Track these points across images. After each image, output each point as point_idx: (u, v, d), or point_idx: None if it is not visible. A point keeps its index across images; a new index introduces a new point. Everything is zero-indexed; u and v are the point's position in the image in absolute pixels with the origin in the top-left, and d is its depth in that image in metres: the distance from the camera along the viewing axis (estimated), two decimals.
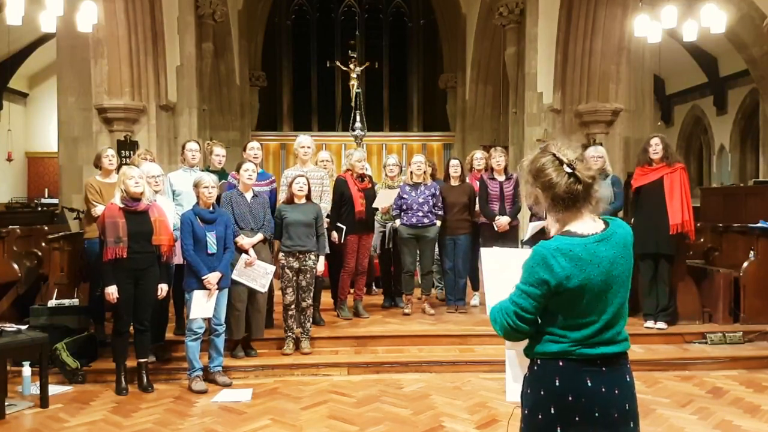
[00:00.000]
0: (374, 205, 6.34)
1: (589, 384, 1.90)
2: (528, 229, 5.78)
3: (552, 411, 1.91)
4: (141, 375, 4.84)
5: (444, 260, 6.62)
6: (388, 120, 17.29)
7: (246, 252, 5.14)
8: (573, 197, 1.92)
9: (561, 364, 1.92)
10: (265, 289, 5.25)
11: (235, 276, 5.07)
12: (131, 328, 4.82)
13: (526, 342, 2.03)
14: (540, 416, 1.94)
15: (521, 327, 1.93)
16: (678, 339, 5.79)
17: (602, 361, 1.92)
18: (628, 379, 1.96)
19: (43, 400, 4.47)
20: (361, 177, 6.25)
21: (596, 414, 1.89)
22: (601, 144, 8.26)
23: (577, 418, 1.90)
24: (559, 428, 1.91)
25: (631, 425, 1.95)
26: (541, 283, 1.88)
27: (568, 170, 1.91)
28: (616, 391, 1.92)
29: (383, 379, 5.10)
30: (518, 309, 1.92)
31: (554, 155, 1.94)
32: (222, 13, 10.96)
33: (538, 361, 1.97)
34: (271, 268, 5.26)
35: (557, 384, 1.91)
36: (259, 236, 5.23)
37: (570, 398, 1.90)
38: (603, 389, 1.90)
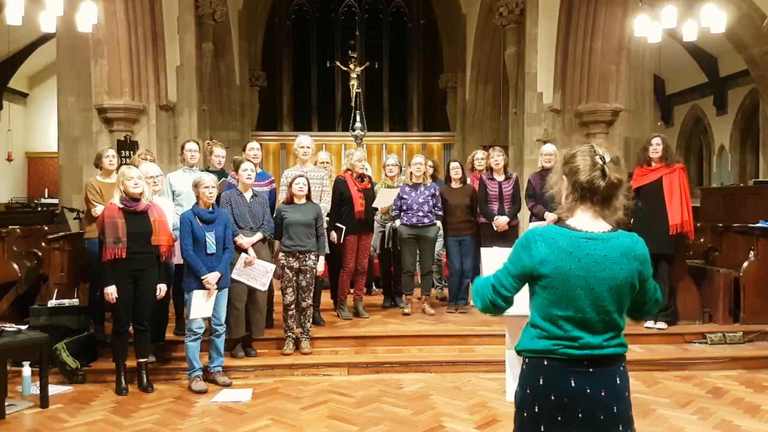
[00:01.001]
0: (374, 205, 6.34)
1: (573, 384, 1.90)
2: None
3: (536, 409, 1.93)
4: (141, 375, 4.84)
5: (451, 261, 6.60)
6: (388, 120, 17.29)
7: (245, 251, 5.14)
8: (592, 190, 1.94)
9: (546, 363, 1.93)
10: (265, 288, 5.25)
11: (234, 275, 5.07)
12: (131, 328, 4.82)
13: None
14: (525, 414, 1.96)
15: (497, 301, 2.00)
16: (678, 339, 5.79)
17: (590, 362, 1.91)
18: (618, 382, 1.93)
19: (43, 400, 4.47)
20: (361, 177, 6.25)
21: (580, 415, 1.89)
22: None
23: (559, 418, 1.90)
24: (542, 427, 1.92)
25: (620, 428, 1.92)
26: (519, 260, 1.96)
27: (599, 162, 1.94)
28: (603, 393, 1.90)
29: (383, 379, 5.10)
30: (497, 282, 2.00)
31: (591, 147, 1.98)
32: (222, 13, 10.95)
33: (527, 360, 2.00)
34: (271, 267, 5.27)
35: (541, 383, 1.93)
36: (258, 236, 5.24)
37: (552, 397, 1.91)
38: (588, 390, 1.90)
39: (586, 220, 1.96)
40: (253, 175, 5.34)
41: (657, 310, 2.09)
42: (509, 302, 2.01)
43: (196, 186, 4.91)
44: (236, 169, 5.41)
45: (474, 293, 2.10)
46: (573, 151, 2.01)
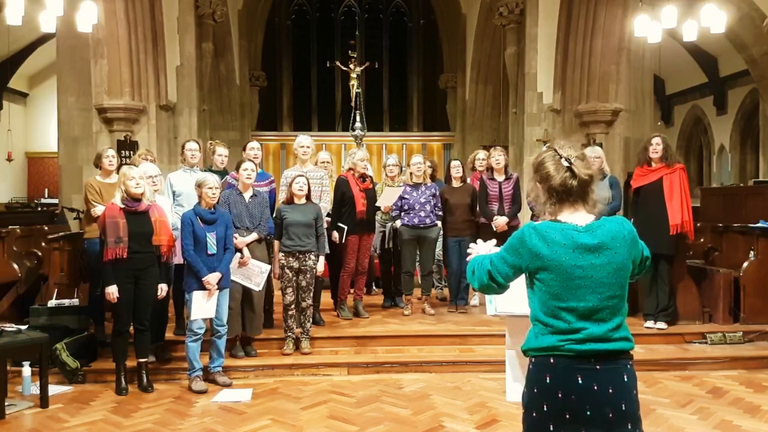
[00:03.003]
0: (377, 204, 6.34)
1: (580, 382, 1.91)
2: None
3: (544, 408, 1.94)
4: (141, 375, 4.84)
5: (450, 262, 6.59)
6: (388, 120, 17.27)
7: (240, 251, 5.14)
8: (567, 191, 2.01)
9: (552, 361, 1.94)
10: (259, 288, 5.24)
11: None
12: (131, 328, 4.82)
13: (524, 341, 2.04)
14: (534, 413, 1.97)
15: (491, 286, 2.11)
16: (678, 339, 5.80)
17: (596, 359, 1.92)
18: (625, 379, 1.94)
19: (43, 400, 4.47)
20: (363, 177, 6.24)
21: (588, 412, 1.90)
22: (600, 145, 8.25)
23: (568, 416, 1.91)
24: (551, 426, 1.92)
25: (629, 426, 1.92)
26: (515, 252, 2.03)
27: (565, 164, 2.01)
28: (611, 390, 1.91)
29: (383, 379, 5.10)
30: (493, 269, 2.08)
31: (555, 151, 2.05)
32: (222, 13, 10.94)
33: (533, 359, 2.01)
34: (266, 267, 5.26)
35: (548, 381, 1.94)
36: (254, 236, 5.23)
37: (560, 395, 1.92)
38: (595, 387, 1.90)
39: (572, 216, 2.03)
40: (253, 175, 5.33)
41: (645, 270, 2.16)
42: (504, 288, 2.12)
43: (199, 186, 4.90)
44: (237, 169, 5.40)
45: (469, 272, 2.19)
46: (540, 158, 2.09)
